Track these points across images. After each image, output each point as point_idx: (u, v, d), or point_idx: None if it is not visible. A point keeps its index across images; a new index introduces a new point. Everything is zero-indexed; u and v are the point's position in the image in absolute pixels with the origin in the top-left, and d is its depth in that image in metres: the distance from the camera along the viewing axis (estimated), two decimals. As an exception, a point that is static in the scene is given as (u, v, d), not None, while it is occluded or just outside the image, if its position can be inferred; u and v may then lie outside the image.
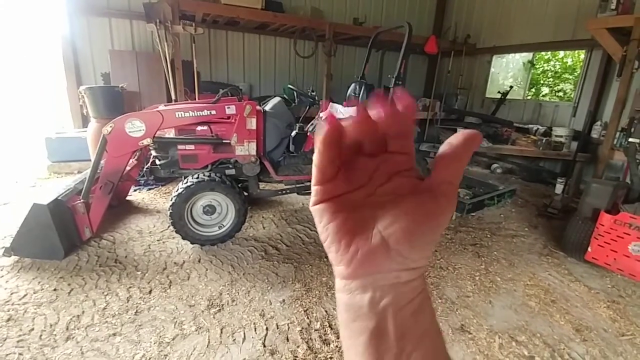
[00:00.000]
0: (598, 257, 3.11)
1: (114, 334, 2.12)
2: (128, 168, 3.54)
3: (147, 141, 2.98)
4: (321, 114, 4.15)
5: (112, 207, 3.69)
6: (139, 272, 2.79)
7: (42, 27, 6.56)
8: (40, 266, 2.76)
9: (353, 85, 4.24)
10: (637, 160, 3.44)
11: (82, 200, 2.94)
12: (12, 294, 2.44)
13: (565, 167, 6.25)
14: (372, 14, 8.19)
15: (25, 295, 2.43)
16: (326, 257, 3.09)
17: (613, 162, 5.12)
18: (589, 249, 3.16)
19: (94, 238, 3.20)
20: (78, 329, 2.15)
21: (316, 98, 4.06)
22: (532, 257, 3.48)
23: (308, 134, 3.89)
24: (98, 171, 3.05)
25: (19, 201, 3.95)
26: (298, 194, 3.72)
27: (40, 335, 2.08)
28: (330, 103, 4.32)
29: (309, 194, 3.56)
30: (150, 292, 2.56)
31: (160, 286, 2.63)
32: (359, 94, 4.02)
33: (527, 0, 7.10)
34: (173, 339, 2.11)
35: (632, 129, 3.55)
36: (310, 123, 4.17)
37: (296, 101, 4.04)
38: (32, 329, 2.13)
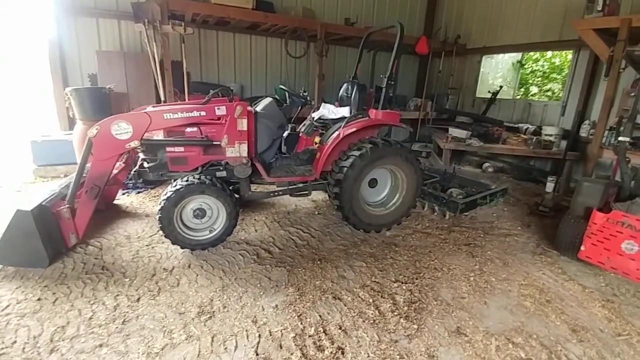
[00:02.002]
0: (591, 256, 3.11)
1: (101, 345, 2.04)
2: (115, 171, 3.45)
3: (135, 143, 2.90)
4: (313, 114, 4.10)
5: (100, 211, 3.59)
6: (126, 279, 2.71)
7: (28, 27, 6.40)
8: (24, 275, 2.66)
9: (345, 85, 4.20)
10: (627, 159, 3.46)
11: (67, 205, 2.85)
12: (-7, 304, 2.34)
13: (555, 166, 6.31)
14: (364, 15, 8.19)
15: (7, 306, 2.33)
16: (320, 259, 3.07)
17: (602, 160, 5.18)
18: (582, 248, 3.16)
19: (80, 244, 3.11)
20: (63, 340, 2.06)
21: (308, 98, 4.01)
22: (525, 256, 3.48)
23: (300, 134, 3.84)
24: (84, 175, 2.96)
25: (3, 207, 3.82)
26: (291, 195, 3.67)
27: (23, 348, 1.99)
28: (322, 103, 4.28)
29: (302, 195, 3.53)
30: (138, 299, 2.48)
31: (149, 293, 2.55)
32: (351, 94, 3.99)
33: (516, 1, 7.17)
34: (162, 349, 2.04)
35: (622, 128, 3.57)
36: (303, 124, 4.12)
37: (288, 102, 3.99)
38: (15, 342, 2.04)
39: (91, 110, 4.39)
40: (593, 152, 4.95)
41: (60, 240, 2.86)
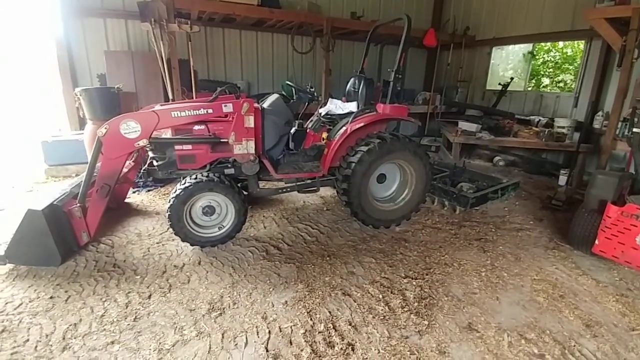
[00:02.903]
0: (605, 250, 3.05)
1: (112, 342, 2.06)
2: (125, 170, 3.48)
3: (144, 142, 2.92)
4: (320, 110, 4.08)
5: (111, 209, 3.64)
6: (138, 277, 2.74)
7: (36, 29, 6.47)
8: (36, 273, 2.71)
9: (352, 79, 4.16)
10: (641, 151, 3.37)
11: (78, 205, 2.88)
12: (6, 303, 2.38)
13: (567, 159, 6.19)
14: (370, 8, 8.09)
15: (20, 305, 2.37)
16: (329, 255, 3.07)
17: (616, 152, 5.06)
18: (596, 242, 3.09)
19: (92, 242, 3.15)
20: (75, 338, 2.09)
21: (315, 94, 3.98)
22: (538, 250, 3.42)
23: (307, 130, 3.83)
24: (94, 174, 2.99)
25: (15, 207, 3.89)
26: (299, 192, 3.66)
27: (36, 347, 2.02)
28: (330, 98, 4.24)
29: (310, 191, 3.51)
30: (149, 296, 2.50)
31: (159, 290, 2.58)
32: (359, 89, 3.95)
33: (526, -10, 7.02)
34: (173, 346, 2.06)
35: (636, 119, 3.48)
36: (310, 119, 4.10)
37: (295, 97, 3.96)
38: (27, 340, 2.07)
39: (100, 109, 4.44)
40: (606, 144, 4.83)
41: (72, 238, 2.90)
